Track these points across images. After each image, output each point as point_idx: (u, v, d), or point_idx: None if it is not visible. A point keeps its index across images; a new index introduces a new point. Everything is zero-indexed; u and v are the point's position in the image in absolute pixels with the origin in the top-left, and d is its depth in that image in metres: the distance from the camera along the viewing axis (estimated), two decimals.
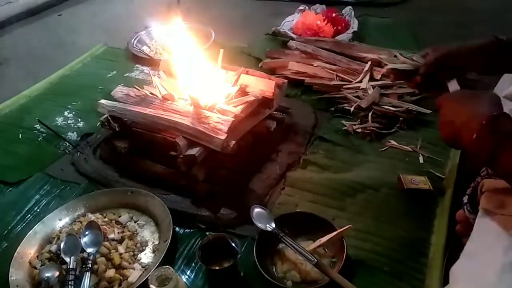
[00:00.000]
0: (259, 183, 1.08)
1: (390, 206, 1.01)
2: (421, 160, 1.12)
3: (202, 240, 0.87)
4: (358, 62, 1.46)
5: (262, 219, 0.90)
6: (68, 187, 1.14)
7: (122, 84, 1.23)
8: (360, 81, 1.39)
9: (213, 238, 0.86)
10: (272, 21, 1.88)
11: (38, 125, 1.36)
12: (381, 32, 1.77)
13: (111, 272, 0.86)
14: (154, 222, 1.00)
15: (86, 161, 1.19)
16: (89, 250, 0.88)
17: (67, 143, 1.28)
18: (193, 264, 0.92)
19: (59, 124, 1.37)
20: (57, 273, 0.85)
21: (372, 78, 1.40)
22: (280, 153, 1.17)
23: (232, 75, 1.16)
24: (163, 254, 0.88)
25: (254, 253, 0.86)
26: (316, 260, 0.81)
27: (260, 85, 1.14)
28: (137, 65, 1.69)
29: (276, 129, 1.20)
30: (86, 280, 0.83)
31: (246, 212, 0.92)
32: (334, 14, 1.79)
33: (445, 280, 0.75)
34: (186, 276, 0.90)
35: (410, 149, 1.16)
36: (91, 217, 0.98)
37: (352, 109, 1.29)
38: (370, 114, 1.25)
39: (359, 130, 1.23)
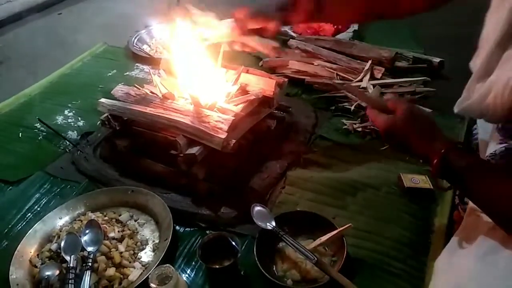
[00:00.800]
0: (260, 182, 1.07)
1: (390, 205, 1.01)
2: (421, 159, 1.12)
3: (202, 239, 0.87)
4: (358, 61, 1.46)
5: (262, 218, 0.90)
6: (68, 186, 1.13)
7: (122, 83, 1.23)
8: (361, 80, 1.39)
9: (213, 237, 0.86)
10: None
11: (38, 124, 1.35)
12: (382, 31, 1.77)
13: (111, 271, 0.86)
14: (154, 221, 1.00)
15: (86, 160, 1.19)
16: (90, 248, 0.88)
17: (67, 142, 1.27)
18: (193, 263, 0.92)
19: (59, 123, 1.37)
20: (57, 272, 0.85)
21: (372, 77, 1.40)
22: (281, 152, 1.17)
23: (233, 74, 1.16)
24: (164, 253, 0.88)
25: (255, 252, 0.86)
26: (316, 259, 0.81)
27: (260, 84, 1.14)
28: (137, 64, 1.68)
29: (277, 128, 1.20)
30: (86, 278, 0.83)
31: (247, 211, 0.92)
32: None
33: None
34: (186, 275, 0.90)
35: None
36: (91, 215, 0.98)
37: (352, 108, 1.29)
38: None
39: (359, 129, 1.23)
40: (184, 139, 1.00)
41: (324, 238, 0.87)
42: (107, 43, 1.87)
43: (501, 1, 0.76)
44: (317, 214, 0.94)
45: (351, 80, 1.40)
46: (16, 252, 0.91)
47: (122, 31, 1.88)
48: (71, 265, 0.85)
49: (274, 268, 0.87)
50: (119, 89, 1.18)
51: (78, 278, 0.83)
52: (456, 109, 0.83)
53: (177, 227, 0.99)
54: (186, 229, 1.00)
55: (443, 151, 0.70)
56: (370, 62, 1.42)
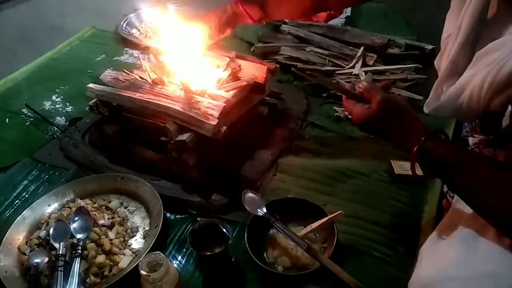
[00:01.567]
0: (251, 169, 1.07)
1: (381, 192, 1.01)
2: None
3: (193, 226, 0.86)
4: (350, 47, 1.45)
5: (253, 204, 0.90)
6: (57, 173, 1.12)
7: (111, 68, 1.20)
8: (353, 67, 1.38)
9: (204, 224, 0.86)
10: None
11: (25, 110, 1.33)
12: (375, 17, 1.76)
13: (101, 258, 0.85)
14: (144, 208, 1.00)
15: (75, 146, 1.18)
16: (79, 236, 0.87)
17: (56, 128, 1.25)
18: (184, 250, 0.92)
19: (47, 108, 1.35)
20: (46, 259, 0.84)
21: (364, 64, 1.39)
22: (272, 139, 1.16)
23: (224, 59, 1.14)
24: (154, 240, 0.88)
25: (245, 239, 0.86)
26: (307, 245, 0.81)
27: (252, 70, 1.12)
28: (126, 49, 1.65)
29: (268, 115, 1.19)
30: (76, 266, 0.82)
31: (238, 198, 0.92)
32: None
33: None
34: (177, 262, 0.90)
35: None
36: (81, 202, 0.97)
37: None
38: None
39: (350, 116, 1.23)
40: (175, 126, 0.99)
41: (314, 225, 0.88)
42: (96, 27, 1.83)
43: (461, 2, 0.76)
44: (308, 201, 0.94)
45: (343, 67, 1.39)
46: (4, 239, 0.90)
47: (111, 15, 1.84)
48: (60, 253, 0.84)
49: (265, 255, 0.88)
50: (108, 74, 1.15)
51: (68, 265, 0.83)
52: (426, 110, 0.82)
53: (168, 214, 0.99)
54: (176, 216, 0.99)
55: (421, 140, 0.69)
56: (362, 48, 1.41)
